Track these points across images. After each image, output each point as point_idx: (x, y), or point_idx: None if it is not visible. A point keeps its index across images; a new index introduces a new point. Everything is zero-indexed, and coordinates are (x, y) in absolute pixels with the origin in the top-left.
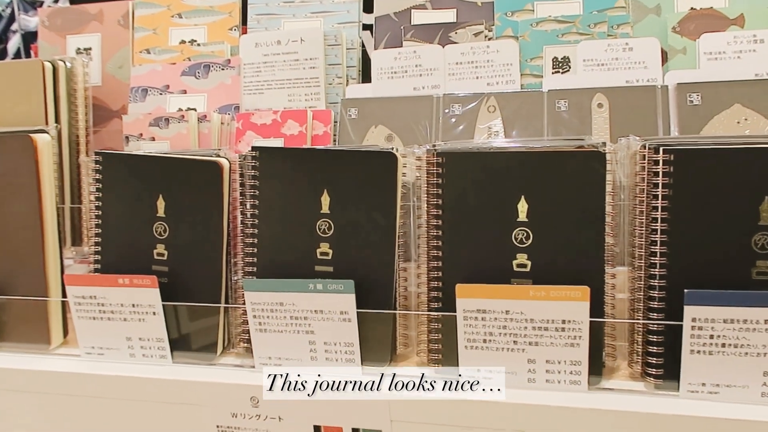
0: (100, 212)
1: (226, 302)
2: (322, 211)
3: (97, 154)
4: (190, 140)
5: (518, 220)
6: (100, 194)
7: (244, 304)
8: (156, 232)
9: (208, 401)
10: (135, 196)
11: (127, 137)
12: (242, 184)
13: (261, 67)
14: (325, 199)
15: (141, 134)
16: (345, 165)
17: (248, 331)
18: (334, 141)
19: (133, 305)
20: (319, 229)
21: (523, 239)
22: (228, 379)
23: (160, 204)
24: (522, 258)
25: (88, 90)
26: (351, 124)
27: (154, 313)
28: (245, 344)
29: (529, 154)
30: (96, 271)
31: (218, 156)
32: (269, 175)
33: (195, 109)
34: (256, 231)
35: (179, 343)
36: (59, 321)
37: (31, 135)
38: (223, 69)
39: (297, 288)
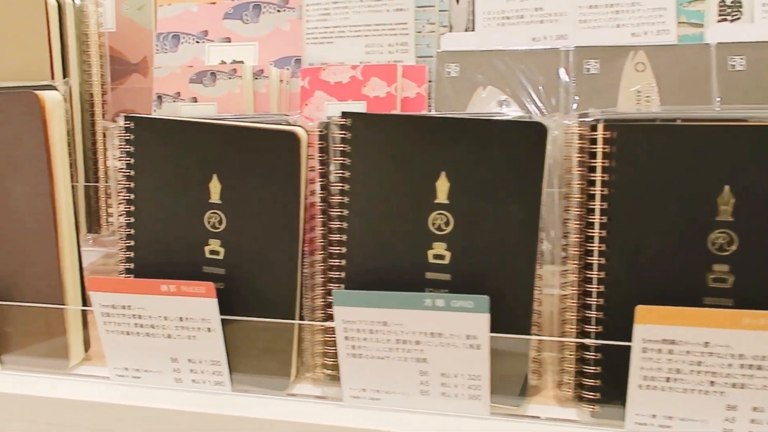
0: (132, 196)
1: (302, 317)
2: (436, 201)
3: (127, 118)
4: (244, 101)
5: (718, 219)
6: (132, 172)
7: (326, 319)
8: (208, 223)
9: None
10: (180, 176)
11: (159, 97)
12: (323, 163)
13: (330, 9)
14: (443, 185)
15: (178, 93)
16: (473, 139)
17: (332, 355)
18: (429, 106)
19: (181, 319)
20: (433, 225)
21: (724, 245)
22: (306, 415)
23: (215, 187)
24: (721, 270)
25: (103, 36)
26: (451, 84)
27: (209, 330)
28: (328, 370)
29: (744, 128)
30: (128, 272)
31: (289, 124)
32: (364, 151)
33: (242, 62)
34: (344, 225)
35: (240, 367)
36: (79, 330)
37: (36, 92)
38: (279, 10)
39: (408, 304)
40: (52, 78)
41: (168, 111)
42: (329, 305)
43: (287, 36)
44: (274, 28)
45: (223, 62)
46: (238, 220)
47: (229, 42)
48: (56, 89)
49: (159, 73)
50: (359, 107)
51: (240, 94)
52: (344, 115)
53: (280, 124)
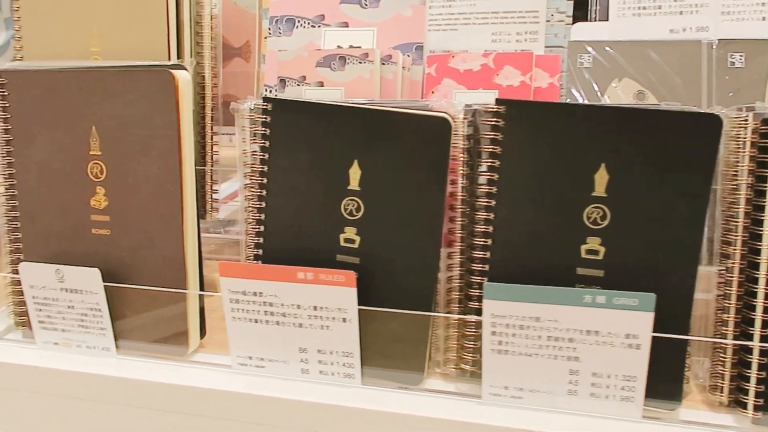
0: (265, 180)
1: (435, 310)
2: (594, 193)
3: (266, 100)
4: (373, 87)
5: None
6: (266, 156)
7: (462, 312)
8: (345, 210)
9: None
10: (318, 161)
11: (282, 80)
12: (468, 151)
13: None
14: (602, 177)
15: (304, 77)
16: (639, 131)
17: (469, 350)
18: (562, 97)
19: (316, 307)
20: (588, 218)
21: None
22: (442, 411)
23: (354, 173)
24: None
25: (216, 18)
26: (584, 75)
27: (344, 320)
28: (467, 366)
29: None
30: (256, 258)
31: (431, 110)
32: (518, 140)
33: (360, 47)
34: (491, 216)
35: (371, 359)
36: (197, 317)
37: (171, 70)
38: None
39: (566, 299)
40: (168, 59)
41: (292, 94)
42: (469, 298)
43: (408, 22)
44: (394, 13)
45: (339, 46)
46: (377, 208)
47: (347, 27)
48: (185, 68)
49: (283, 56)
50: (490, 96)
51: (369, 79)
52: (499, 102)
53: (423, 110)
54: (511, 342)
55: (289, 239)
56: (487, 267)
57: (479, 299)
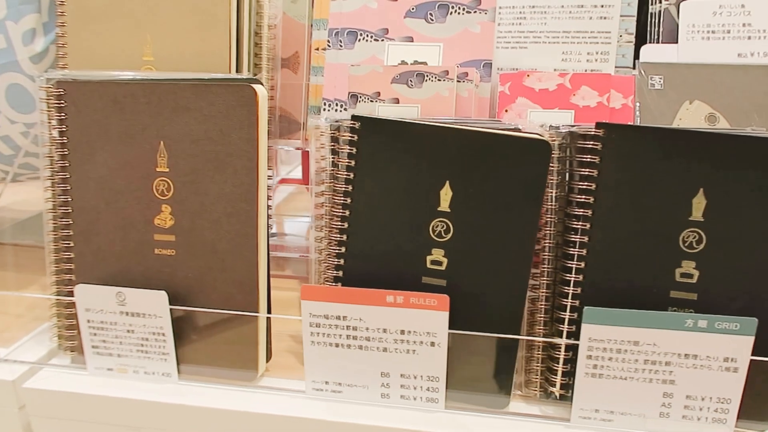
0: (349, 200)
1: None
2: (691, 218)
3: (354, 118)
4: (451, 105)
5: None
6: (351, 175)
7: (545, 334)
8: (434, 231)
9: None
10: (408, 182)
11: (354, 96)
12: (559, 173)
13: (526, 13)
14: (699, 201)
15: (378, 93)
16: (737, 155)
17: (553, 372)
18: (636, 118)
19: (403, 332)
20: (684, 242)
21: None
22: None
23: (446, 194)
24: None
25: (275, 29)
26: (655, 97)
27: (432, 344)
28: (556, 389)
29: None
30: (336, 280)
31: (518, 130)
32: (617, 164)
33: (425, 63)
34: (585, 239)
35: (454, 382)
36: (264, 340)
37: (252, 85)
38: (469, 12)
39: (666, 324)
40: (229, 71)
41: (364, 111)
42: (559, 321)
43: (476, 38)
44: (462, 29)
45: (402, 62)
46: (467, 230)
47: (411, 41)
48: (261, 83)
49: (356, 71)
50: (567, 116)
51: (448, 97)
52: (599, 126)
53: (508, 130)
54: (607, 366)
55: (373, 261)
56: (579, 290)
57: (571, 322)
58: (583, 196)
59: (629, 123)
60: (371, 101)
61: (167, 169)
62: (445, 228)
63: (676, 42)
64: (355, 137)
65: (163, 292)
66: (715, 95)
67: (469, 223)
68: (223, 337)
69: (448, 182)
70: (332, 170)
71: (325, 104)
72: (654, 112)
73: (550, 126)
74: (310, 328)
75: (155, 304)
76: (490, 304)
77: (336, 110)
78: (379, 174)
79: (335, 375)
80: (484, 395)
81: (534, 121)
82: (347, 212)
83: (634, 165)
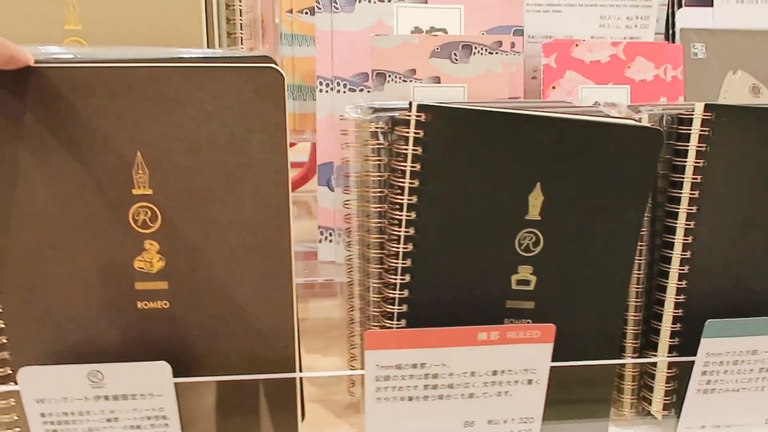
0: (413, 214)
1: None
2: None
3: (421, 108)
4: (505, 83)
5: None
6: (415, 182)
7: (638, 350)
8: (521, 245)
9: None
10: (489, 187)
11: (381, 75)
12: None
13: None
14: None
15: (414, 71)
16: None
17: (650, 389)
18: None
19: (495, 372)
20: None
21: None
22: None
23: (535, 199)
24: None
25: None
26: (698, 67)
27: (530, 381)
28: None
29: None
30: (400, 316)
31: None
32: (729, 152)
33: (444, 30)
34: (689, 240)
35: (546, 420)
36: (298, 395)
37: (275, 67)
38: None
39: None
40: (202, 43)
41: (394, 92)
42: (655, 333)
43: (503, 1)
44: None
45: (417, 28)
46: (559, 240)
47: (425, 2)
48: (274, 65)
49: (383, 42)
50: (622, 93)
51: (501, 74)
52: (709, 107)
53: (600, 116)
54: (720, 380)
55: (445, 288)
56: (683, 298)
57: (674, 335)
58: (687, 190)
59: (734, 103)
60: (404, 81)
61: (149, 191)
62: (534, 240)
63: (706, 5)
64: (421, 133)
65: (165, 363)
66: (757, 65)
67: (562, 233)
68: (248, 408)
69: (539, 184)
70: (376, 175)
71: (320, 83)
72: (699, 83)
73: (629, 107)
74: (377, 383)
75: (153, 379)
76: (584, 324)
77: (339, 92)
78: (450, 178)
79: (404, 430)
80: (581, 428)
81: (587, 99)
82: (411, 230)
83: (742, 151)
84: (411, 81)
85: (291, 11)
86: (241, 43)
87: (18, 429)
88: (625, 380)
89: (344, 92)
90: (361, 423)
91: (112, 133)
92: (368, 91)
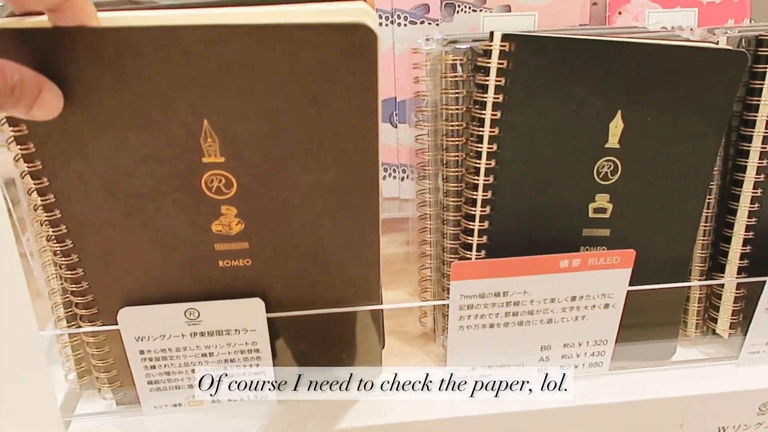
0: (495, 146)
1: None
2: None
3: (507, 37)
4: (576, 10)
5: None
6: (498, 113)
7: (706, 273)
8: (599, 174)
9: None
10: (570, 115)
11: (450, 5)
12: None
13: None
14: None
15: (484, 1)
16: None
17: (716, 309)
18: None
19: (574, 298)
20: None
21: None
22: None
23: (616, 127)
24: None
25: None
26: None
27: (606, 306)
28: (731, 330)
29: None
30: (480, 248)
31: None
32: None
33: None
34: (764, 163)
35: (618, 342)
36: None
37: (369, 24)
38: None
39: None
40: None
41: (464, 22)
42: (723, 255)
43: None
44: None
45: None
46: (637, 168)
47: None
48: (367, 21)
49: None
50: (690, 15)
51: (573, 1)
52: None
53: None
54: None
55: (523, 218)
56: (754, 220)
57: (742, 257)
58: (765, 114)
59: None
60: (474, 11)
61: (221, 159)
62: (612, 168)
63: None
64: (505, 63)
65: (258, 300)
66: None
67: (640, 160)
68: (334, 341)
69: (620, 112)
70: (455, 108)
71: (380, 17)
72: (765, 2)
73: (726, 33)
74: (460, 312)
75: (246, 315)
76: (657, 250)
77: (400, 25)
78: (533, 108)
79: (485, 358)
80: (650, 348)
81: (653, 23)
82: (493, 163)
83: None
84: (481, 10)
85: None
86: None
87: (115, 370)
88: (691, 302)
89: (405, 25)
90: (434, 351)
91: (172, 101)
92: (429, 23)
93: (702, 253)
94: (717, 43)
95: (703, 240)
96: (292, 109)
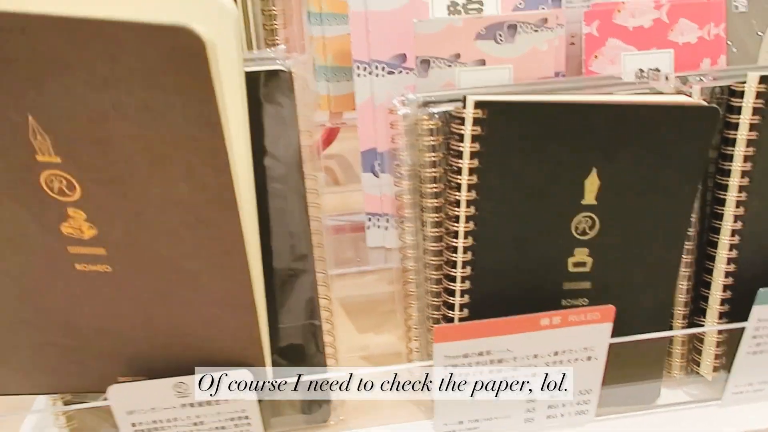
0: (473, 210)
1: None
2: None
3: (479, 105)
4: (551, 62)
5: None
6: (473, 178)
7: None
8: (577, 230)
9: None
10: (546, 176)
11: (425, 61)
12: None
13: None
14: None
15: (458, 55)
16: None
17: (699, 353)
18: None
19: (557, 352)
20: None
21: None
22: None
23: (591, 185)
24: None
25: None
26: (739, 21)
27: (588, 358)
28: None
29: None
30: (463, 307)
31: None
32: None
33: (480, 4)
34: (741, 212)
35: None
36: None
37: (193, 29)
38: None
39: None
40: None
41: (439, 78)
42: (703, 300)
43: None
44: None
45: (453, 3)
46: (615, 222)
47: None
48: (192, 27)
49: (425, 28)
50: (665, 58)
51: (547, 52)
52: (763, 79)
53: (650, 95)
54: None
55: (504, 275)
56: (733, 267)
57: (722, 302)
58: (741, 164)
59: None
60: (449, 65)
61: (56, 159)
62: (590, 224)
63: None
64: (479, 130)
65: (246, 371)
66: None
67: (617, 214)
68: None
69: (595, 170)
70: (431, 171)
71: (357, 67)
72: (741, 38)
73: (677, 77)
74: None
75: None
76: (638, 299)
77: (378, 75)
78: (508, 171)
79: (470, 412)
80: (635, 391)
81: (629, 66)
82: (472, 225)
83: None
84: (456, 65)
85: None
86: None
87: None
88: (675, 344)
89: (383, 75)
90: (425, 402)
91: (17, 97)
92: (407, 72)
93: (683, 298)
94: (690, 95)
95: (684, 285)
96: (123, 114)
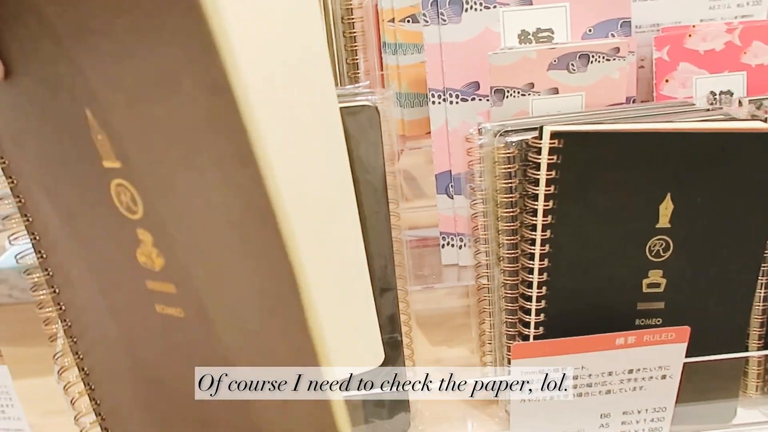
0: (549, 233)
1: None
2: None
3: (556, 135)
4: (622, 89)
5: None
6: (551, 203)
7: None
8: (651, 252)
9: None
10: (621, 201)
11: (500, 91)
12: None
13: None
14: None
15: (531, 85)
16: None
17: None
18: None
19: (632, 371)
20: None
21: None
22: None
23: (665, 209)
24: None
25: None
26: None
27: (663, 377)
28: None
29: None
30: (537, 325)
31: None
32: None
33: (550, 31)
34: None
35: (677, 406)
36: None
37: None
38: None
39: None
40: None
41: (515, 107)
42: None
43: None
44: None
45: (523, 31)
46: (688, 244)
47: (530, 5)
48: None
49: (500, 60)
50: (738, 80)
51: (619, 80)
52: None
53: (725, 120)
54: None
55: (578, 295)
56: None
57: None
58: None
59: None
60: (523, 95)
61: (118, 164)
62: (664, 246)
63: None
64: (555, 158)
65: None
66: None
67: (691, 238)
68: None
69: (669, 194)
70: (507, 197)
71: (432, 95)
72: None
73: (750, 101)
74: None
75: None
76: (712, 319)
77: (452, 103)
78: (584, 196)
79: (545, 425)
80: (710, 410)
81: (701, 90)
82: (547, 248)
83: None
84: (529, 94)
85: (393, 20)
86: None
87: None
88: (750, 364)
89: (456, 102)
90: (497, 413)
91: (54, 77)
92: (480, 100)
93: (759, 318)
94: (765, 120)
95: (760, 306)
96: (150, 94)
